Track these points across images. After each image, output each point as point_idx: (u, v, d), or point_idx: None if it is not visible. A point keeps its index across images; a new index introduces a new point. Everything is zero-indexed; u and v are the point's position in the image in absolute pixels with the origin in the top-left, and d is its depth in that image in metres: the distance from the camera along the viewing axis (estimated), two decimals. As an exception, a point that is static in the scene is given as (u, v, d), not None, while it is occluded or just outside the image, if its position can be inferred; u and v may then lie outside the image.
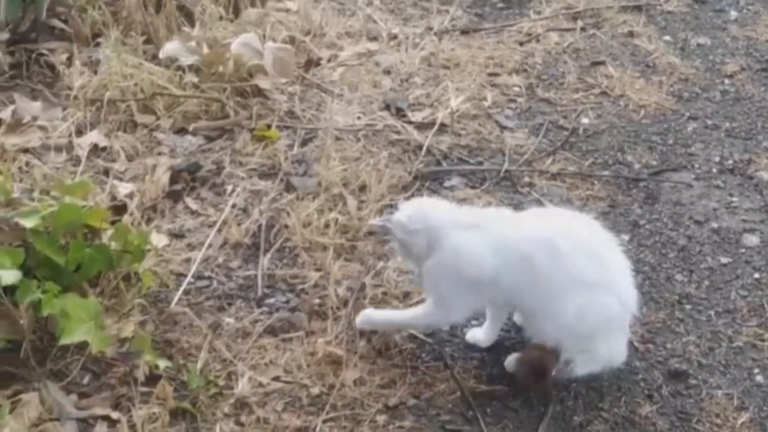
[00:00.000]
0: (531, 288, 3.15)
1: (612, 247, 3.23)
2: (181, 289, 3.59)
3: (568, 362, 3.17)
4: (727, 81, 4.95)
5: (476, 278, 3.17)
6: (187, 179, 4.12)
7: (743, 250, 3.89)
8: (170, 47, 4.66)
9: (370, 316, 3.41)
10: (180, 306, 3.53)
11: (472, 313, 3.35)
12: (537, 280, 3.13)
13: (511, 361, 3.29)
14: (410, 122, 4.52)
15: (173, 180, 4.10)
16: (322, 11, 5.38)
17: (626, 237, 3.90)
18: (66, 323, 3.13)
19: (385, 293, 3.61)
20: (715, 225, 4.02)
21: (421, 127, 4.49)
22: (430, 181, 4.18)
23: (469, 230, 3.21)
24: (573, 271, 3.11)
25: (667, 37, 5.32)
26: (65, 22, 4.97)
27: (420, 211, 3.26)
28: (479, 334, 3.43)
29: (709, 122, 4.64)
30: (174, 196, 4.05)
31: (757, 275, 3.77)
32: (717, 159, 4.40)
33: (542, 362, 3.19)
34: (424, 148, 4.33)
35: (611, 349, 3.20)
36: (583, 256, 3.12)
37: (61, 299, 3.17)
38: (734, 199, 4.17)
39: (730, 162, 4.38)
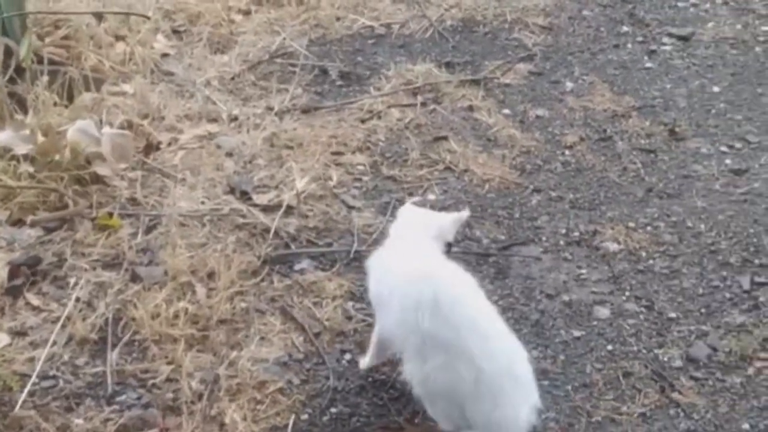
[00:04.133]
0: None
1: (474, 308, 3.21)
2: (26, 390, 3.44)
3: None
4: (567, 152, 5.01)
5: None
6: (27, 273, 3.95)
7: (595, 323, 3.92)
8: (2, 136, 4.49)
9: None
10: (25, 409, 3.37)
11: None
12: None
13: None
14: (256, 205, 4.43)
15: (12, 275, 3.93)
16: (160, 94, 5.27)
17: (480, 313, 3.88)
18: None
19: (240, 384, 3.52)
20: (566, 298, 4.04)
21: (267, 209, 4.41)
22: (280, 264, 4.10)
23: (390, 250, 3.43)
24: (432, 332, 3.10)
25: (506, 110, 5.37)
26: None
27: (403, 215, 3.53)
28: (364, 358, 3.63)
29: (553, 194, 4.68)
30: (14, 292, 3.88)
31: (610, 347, 3.79)
32: (563, 231, 4.43)
33: None
34: (272, 231, 4.25)
35: (490, 418, 3.11)
36: (428, 311, 3.11)
37: None
38: (583, 271, 4.19)
39: (576, 234, 4.41)
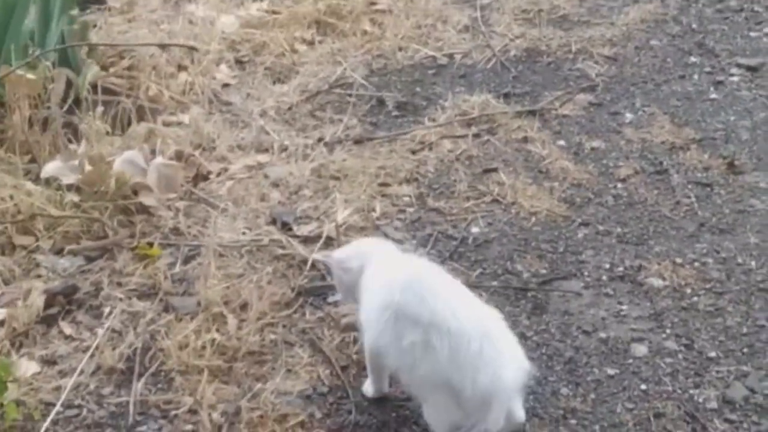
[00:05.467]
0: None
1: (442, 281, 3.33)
2: (48, 419, 3.47)
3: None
4: (620, 185, 4.91)
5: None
6: (62, 302, 4.01)
7: (631, 361, 3.82)
8: (51, 166, 4.57)
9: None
10: (46, 438, 3.41)
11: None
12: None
13: None
14: (296, 236, 4.43)
15: (48, 304, 3.98)
16: (214, 124, 5.31)
17: (512, 350, 3.83)
18: None
19: (262, 416, 3.51)
20: (603, 335, 3.95)
21: (307, 240, 4.41)
22: (314, 296, 4.10)
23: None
24: (403, 306, 3.19)
25: (561, 142, 5.29)
26: (-52, 143, 4.88)
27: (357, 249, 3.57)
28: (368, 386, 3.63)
29: (601, 228, 4.59)
30: (48, 321, 3.93)
31: (644, 386, 3.70)
32: (607, 266, 4.34)
33: None
34: (309, 263, 4.25)
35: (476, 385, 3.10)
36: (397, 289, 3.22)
37: None
38: (624, 307, 4.10)
39: (621, 269, 4.32)
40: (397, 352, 3.22)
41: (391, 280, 3.27)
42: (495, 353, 3.11)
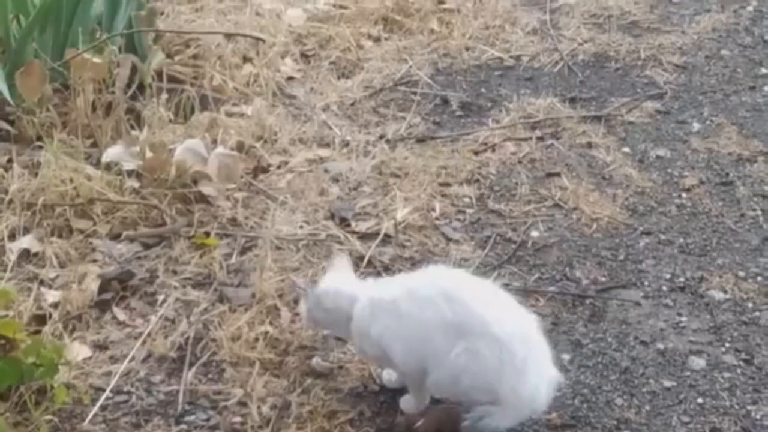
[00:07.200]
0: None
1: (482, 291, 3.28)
2: (97, 404, 3.46)
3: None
4: (684, 195, 4.83)
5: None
6: (117, 288, 4.00)
7: (688, 373, 3.74)
8: (112, 151, 4.57)
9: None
10: (94, 423, 3.39)
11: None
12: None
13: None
14: (354, 232, 4.40)
15: (103, 288, 3.98)
16: (277, 116, 5.28)
17: (567, 357, 3.77)
18: (-37, 441, 3.01)
19: (311, 412, 3.47)
20: (661, 346, 3.87)
21: (365, 237, 4.38)
22: (369, 294, 4.06)
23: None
24: (434, 318, 3.15)
25: (626, 149, 5.21)
26: (12, 123, 4.88)
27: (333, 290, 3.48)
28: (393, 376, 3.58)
29: (663, 237, 4.52)
30: (102, 306, 3.93)
31: (700, 400, 3.62)
32: (668, 276, 4.26)
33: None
34: (366, 260, 4.21)
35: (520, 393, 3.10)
36: (442, 301, 3.16)
37: (-38, 415, 3.07)
38: (683, 318, 4.02)
39: (682, 279, 4.24)
40: (446, 365, 3.15)
41: (430, 297, 3.21)
42: (536, 365, 3.13)
